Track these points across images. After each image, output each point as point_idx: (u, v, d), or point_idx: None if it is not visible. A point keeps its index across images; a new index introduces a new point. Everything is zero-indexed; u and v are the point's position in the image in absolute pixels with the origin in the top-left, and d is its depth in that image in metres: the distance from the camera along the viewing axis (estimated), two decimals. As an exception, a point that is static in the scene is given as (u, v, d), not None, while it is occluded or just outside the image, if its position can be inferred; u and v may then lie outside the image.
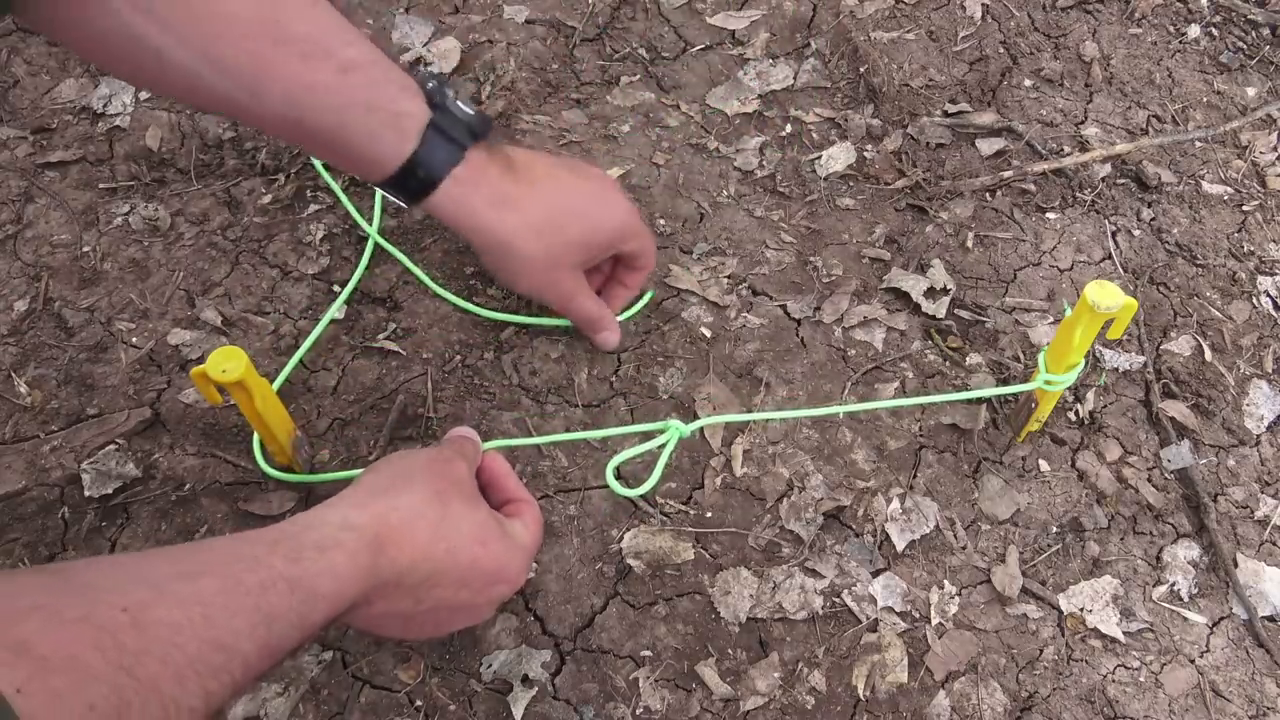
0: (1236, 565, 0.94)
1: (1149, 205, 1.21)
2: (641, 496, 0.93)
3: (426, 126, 0.69)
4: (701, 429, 0.98)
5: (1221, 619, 0.92)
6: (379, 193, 1.09)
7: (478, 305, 1.04)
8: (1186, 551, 0.95)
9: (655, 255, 0.91)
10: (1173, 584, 0.93)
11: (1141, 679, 0.88)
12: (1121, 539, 0.95)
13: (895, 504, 0.95)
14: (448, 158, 0.70)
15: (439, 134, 0.69)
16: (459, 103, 0.72)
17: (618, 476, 0.88)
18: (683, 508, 0.93)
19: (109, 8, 0.57)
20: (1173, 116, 1.31)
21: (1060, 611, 0.91)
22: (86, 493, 0.90)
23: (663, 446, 0.85)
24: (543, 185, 0.76)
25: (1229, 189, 1.24)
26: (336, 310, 1.03)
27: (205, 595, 0.48)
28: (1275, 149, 1.28)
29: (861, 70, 1.30)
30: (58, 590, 0.44)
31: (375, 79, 0.67)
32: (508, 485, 0.75)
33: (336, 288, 1.05)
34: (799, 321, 1.07)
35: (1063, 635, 0.90)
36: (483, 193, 0.73)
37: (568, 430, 0.97)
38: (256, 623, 0.49)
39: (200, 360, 0.94)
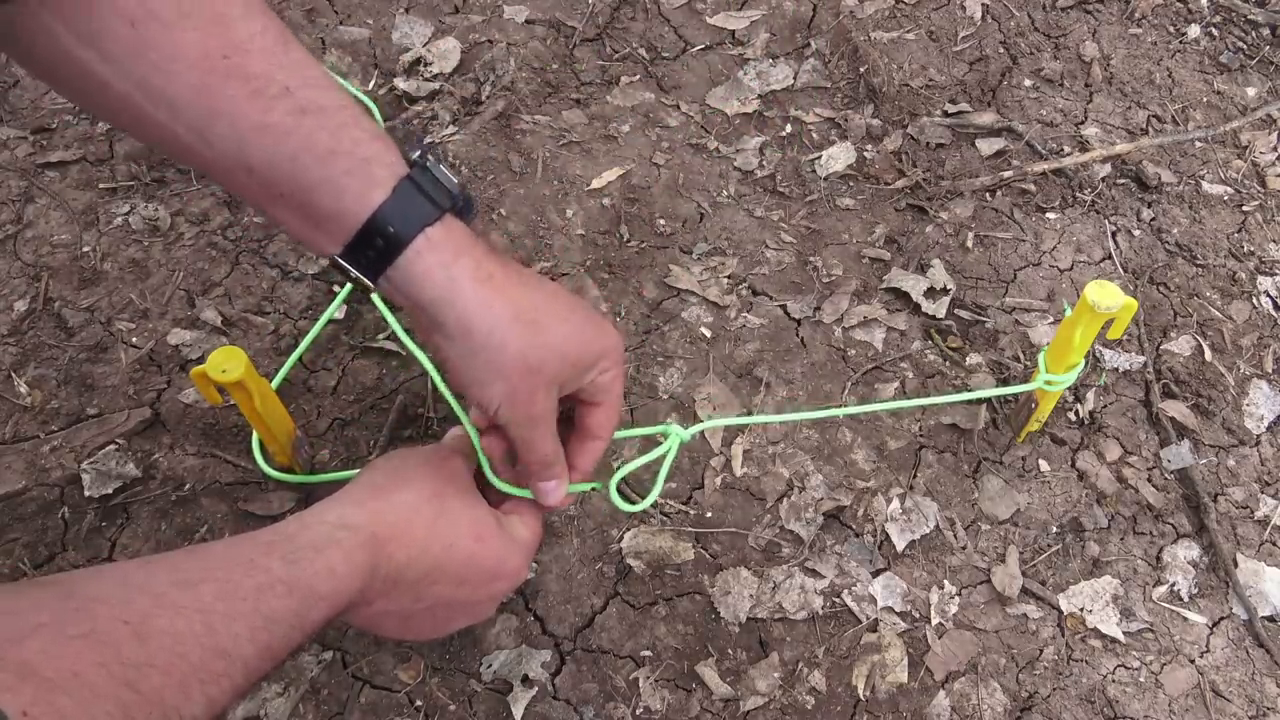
0: (1236, 565, 0.94)
1: (1149, 205, 1.21)
2: (644, 499, 0.93)
3: (401, 178, 0.57)
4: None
5: (1221, 619, 0.92)
6: None
7: None
8: (1186, 551, 0.95)
9: (619, 413, 0.71)
10: (1173, 584, 0.93)
11: (1141, 679, 0.88)
12: (1121, 539, 0.95)
13: (895, 504, 0.95)
14: (423, 215, 0.57)
15: (415, 188, 0.57)
16: (443, 168, 0.60)
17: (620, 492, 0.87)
18: (683, 508, 0.93)
19: (53, 36, 0.53)
20: (1173, 116, 1.31)
21: (1060, 611, 0.91)
22: (86, 493, 0.90)
23: (665, 454, 0.84)
24: (530, 277, 0.62)
25: (1229, 189, 1.24)
26: (335, 310, 1.03)
27: (205, 602, 0.48)
28: (1275, 149, 1.28)
29: (861, 70, 1.30)
30: (60, 605, 0.44)
31: (340, 123, 0.57)
32: None
33: (336, 288, 1.05)
34: (799, 321, 1.07)
35: (1063, 635, 0.90)
36: (464, 263, 0.58)
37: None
38: (257, 626, 0.49)
39: (200, 360, 0.94)
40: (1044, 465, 0.99)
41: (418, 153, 0.60)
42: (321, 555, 0.55)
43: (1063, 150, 1.25)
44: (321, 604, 0.53)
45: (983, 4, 1.39)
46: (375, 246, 0.57)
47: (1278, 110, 1.31)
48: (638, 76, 1.28)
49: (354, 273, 0.58)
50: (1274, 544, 0.96)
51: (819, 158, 1.21)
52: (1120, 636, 0.89)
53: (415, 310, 0.60)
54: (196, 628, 0.46)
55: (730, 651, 0.86)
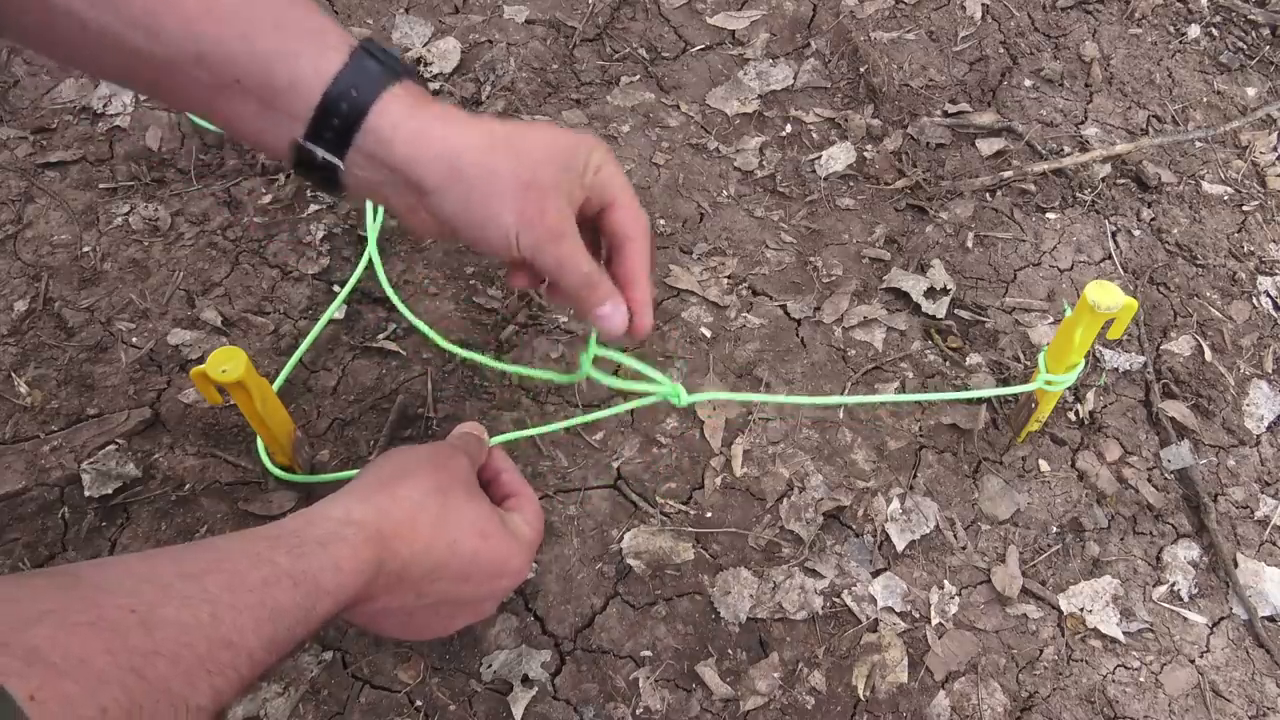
0: (1236, 565, 0.94)
1: (1149, 205, 1.21)
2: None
3: (354, 47, 0.57)
4: (701, 427, 0.98)
5: (1221, 619, 0.92)
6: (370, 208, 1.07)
7: (479, 303, 1.04)
8: (1186, 551, 0.95)
9: (637, 204, 0.66)
10: (1173, 584, 0.93)
11: (1141, 679, 0.88)
12: (1121, 539, 0.95)
13: (895, 504, 0.95)
14: (381, 77, 0.56)
15: (368, 55, 0.57)
16: (388, 48, 0.59)
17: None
18: (683, 508, 0.93)
19: None
20: (1173, 116, 1.31)
21: (1060, 612, 0.91)
22: (86, 493, 0.90)
23: (653, 396, 0.80)
24: (493, 119, 0.61)
25: (1229, 189, 1.23)
26: (335, 310, 1.03)
27: (211, 593, 0.48)
28: (1275, 149, 1.28)
29: (861, 70, 1.30)
30: (67, 594, 0.44)
31: (286, 3, 0.56)
32: (509, 481, 0.75)
33: (336, 288, 1.05)
34: (799, 321, 1.07)
35: (1063, 635, 0.90)
36: (431, 110, 0.57)
37: (567, 432, 0.97)
38: (262, 619, 0.49)
39: (200, 360, 0.94)
40: (1044, 465, 0.99)
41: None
42: (327, 550, 0.55)
43: (1063, 150, 1.25)
44: (327, 599, 0.53)
45: (983, 4, 1.39)
46: (340, 114, 0.56)
47: (1278, 110, 1.31)
48: (638, 76, 1.28)
49: (320, 155, 0.57)
50: (1274, 544, 0.96)
51: (819, 158, 1.21)
52: (1120, 636, 0.89)
53: (394, 180, 0.59)
54: (203, 618, 0.47)
55: (730, 651, 0.86)
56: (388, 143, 0.57)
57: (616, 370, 0.76)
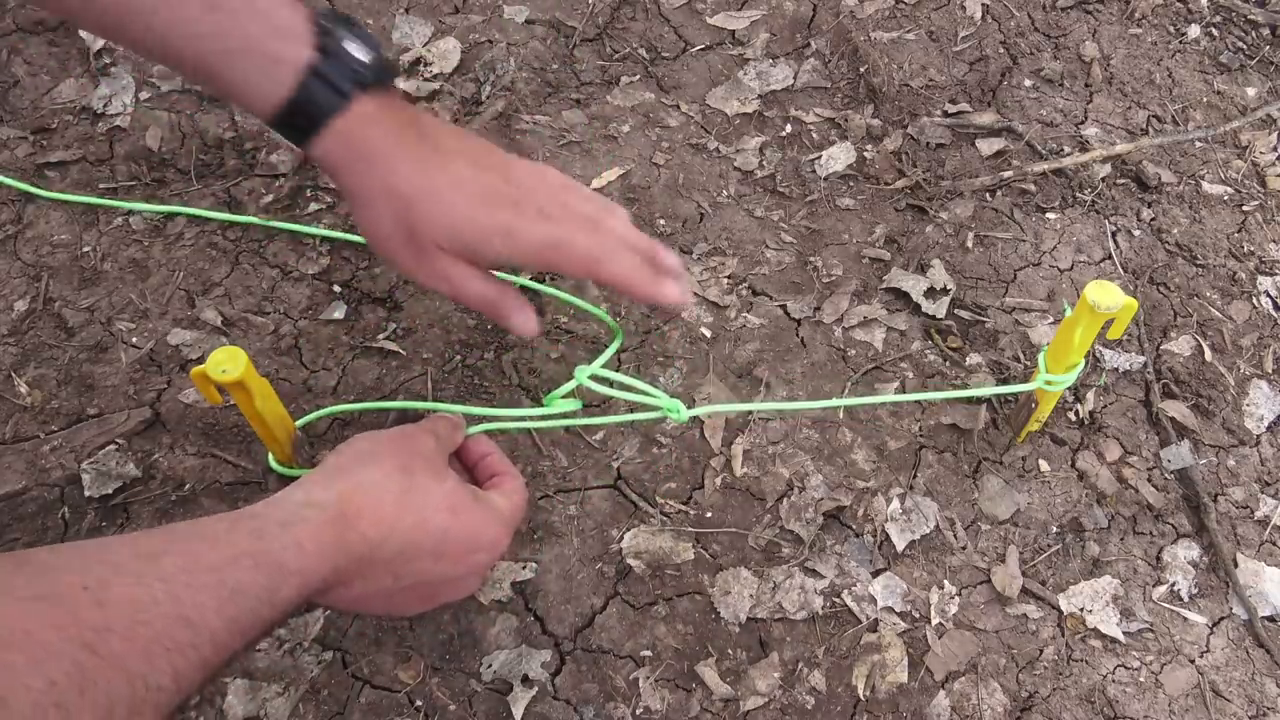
0: (1236, 565, 0.94)
1: (1149, 205, 1.21)
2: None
3: (306, 73, 0.60)
4: (701, 426, 0.98)
5: (1221, 619, 0.92)
6: None
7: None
8: (1186, 551, 0.95)
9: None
10: (1173, 584, 0.93)
11: (1141, 679, 0.88)
12: (1121, 539, 0.95)
13: (895, 504, 0.95)
14: (327, 105, 0.61)
15: (320, 80, 0.60)
16: (354, 46, 0.62)
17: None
18: (683, 508, 0.93)
19: None
20: (1173, 116, 1.31)
21: (1060, 611, 0.91)
22: (86, 493, 0.90)
23: (660, 415, 0.82)
24: (427, 149, 0.65)
25: (1229, 189, 1.23)
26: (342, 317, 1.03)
27: (167, 572, 0.47)
28: (1275, 149, 1.28)
29: (861, 70, 1.30)
30: (15, 571, 0.44)
31: (247, 17, 0.60)
32: (493, 463, 0.75)
33: (337, 288, 1.05)
34: (799, 321, 1.07)
35: (1063, 635, 0.90)
36: (373, 133, 0.63)
37: (567, 432, 0.97)
38: (224, 598, 0.49)
39: (200, 360, 0.94)
40: (1044, 465, 0.99)
41: (325, 23, 0.62)
42: (288, 531, 0.55)
43: (1063, 150, 1.25)
44: (292, 579, 0.53)
45: (983, 4, 1.39)
46: (294, 128, 0.62)
47: (1278, 110, 1.31)
48: (638, 76, 1.28)
49: (285, 142, 0.64)
50: (1274, 544, 0.96)
51: (819, 158, 1.21)
52: (1120, 636, 0.89)
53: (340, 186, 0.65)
54: (159, 595, 0.46)
55: (730, 651, 0.86)
56: (330, 165, 0.64)
57: (611, 384, 0.78)
